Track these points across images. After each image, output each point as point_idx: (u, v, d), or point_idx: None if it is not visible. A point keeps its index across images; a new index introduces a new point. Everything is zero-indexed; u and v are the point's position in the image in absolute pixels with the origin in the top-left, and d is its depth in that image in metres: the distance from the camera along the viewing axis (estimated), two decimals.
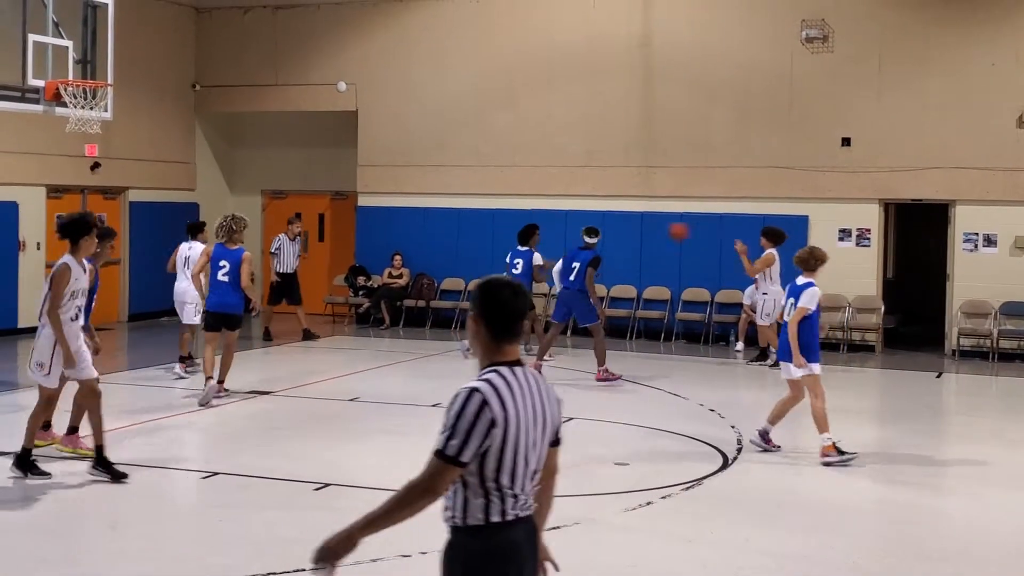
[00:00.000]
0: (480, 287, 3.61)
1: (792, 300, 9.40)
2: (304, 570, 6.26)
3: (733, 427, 10.52)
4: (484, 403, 3.44)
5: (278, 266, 16.86)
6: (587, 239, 13.35)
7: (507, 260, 14.99)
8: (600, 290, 17.43)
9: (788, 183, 16.80)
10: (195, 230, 13.49)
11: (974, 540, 7.34)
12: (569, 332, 17.19)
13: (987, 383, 14.62)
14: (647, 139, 17.54)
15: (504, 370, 3.53)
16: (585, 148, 17.82)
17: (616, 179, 17.67)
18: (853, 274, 16.50)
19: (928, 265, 17.92)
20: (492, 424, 3.44)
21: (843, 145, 16.58)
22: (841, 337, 16.64)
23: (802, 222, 16.74)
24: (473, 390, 3.46)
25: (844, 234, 16.66)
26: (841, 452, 9.21)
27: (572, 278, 13.16)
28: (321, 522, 7.42)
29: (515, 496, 3.54)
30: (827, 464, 9.13)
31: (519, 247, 14.77)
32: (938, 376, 14.74)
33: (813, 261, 9.50)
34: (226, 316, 11.54)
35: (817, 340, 9.36)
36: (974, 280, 16.09)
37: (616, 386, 12.96)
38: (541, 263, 14.68)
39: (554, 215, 17.80)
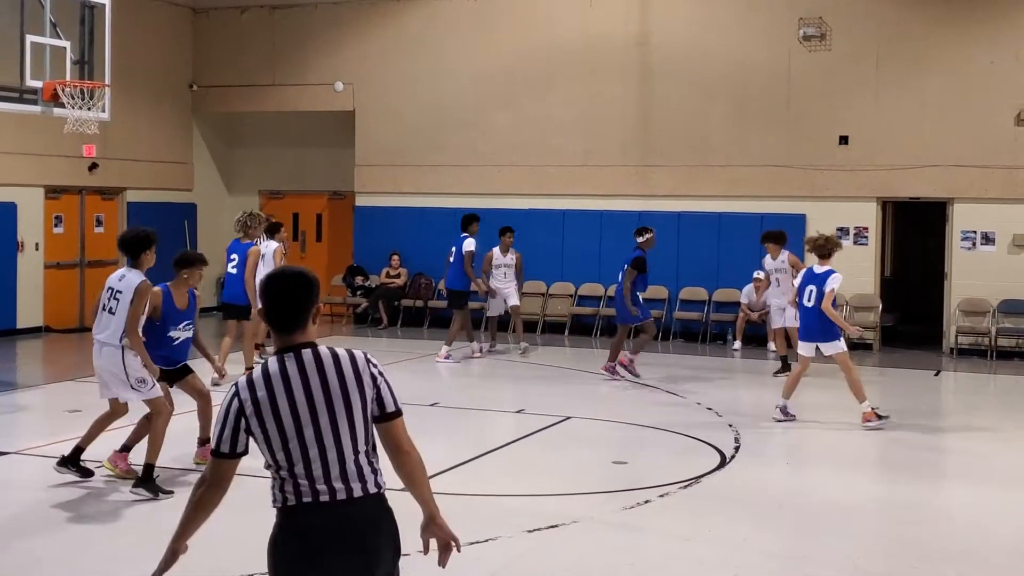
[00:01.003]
0: (263, 279, 3.74)
1: (812, 287, 10.34)
2: None
3: (731, 426, 10.52)
4: (235, 394, 3.63)
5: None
6: (636, 239, 13.32)
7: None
8: (598, 289, 17.51)
9: (786, 182, 16.80)
10: (272, 230, 13.88)
11: (974, 539, 7.33)
12: (568, 331, 17.14)
13: (985, 381, 14.62)
14: (645, 138, 17.54)
15: (272, 359, 3.65)
16: (583, 147, 17.82)
17: (614, 178, 17.67)
18: (851, 272, 16.41)
19: (926, 263, 17.94)
20: (240, 411, 3.60)
21: (841, 143, 16.59)
22: None
23: (800, 221, 16.73)
24: (234, 384, 3.68)
25: (842, 232, 16.60)
26: (880, 416, 10.39)
27: (620, 279, 13.23)
28: None
29: (297, 483, 3.61)
30: (869, 428, 10.31)
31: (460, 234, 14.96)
32: (936, 374, 14.74)
33: (829, 247, 10.49)
34: (235, 306, 12.42)
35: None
36: (972, 278, 16.09)
37: (614, 385, 12.95)
38: (472, 249, 14.63)
39: (552, 215, 17.81)
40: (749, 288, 16.40)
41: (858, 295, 16.60)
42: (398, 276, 18.63)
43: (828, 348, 10.50)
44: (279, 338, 3.66)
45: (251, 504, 7.77)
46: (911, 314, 18.18)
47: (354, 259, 19.33)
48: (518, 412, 11.16)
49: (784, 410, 10.70)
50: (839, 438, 10.45)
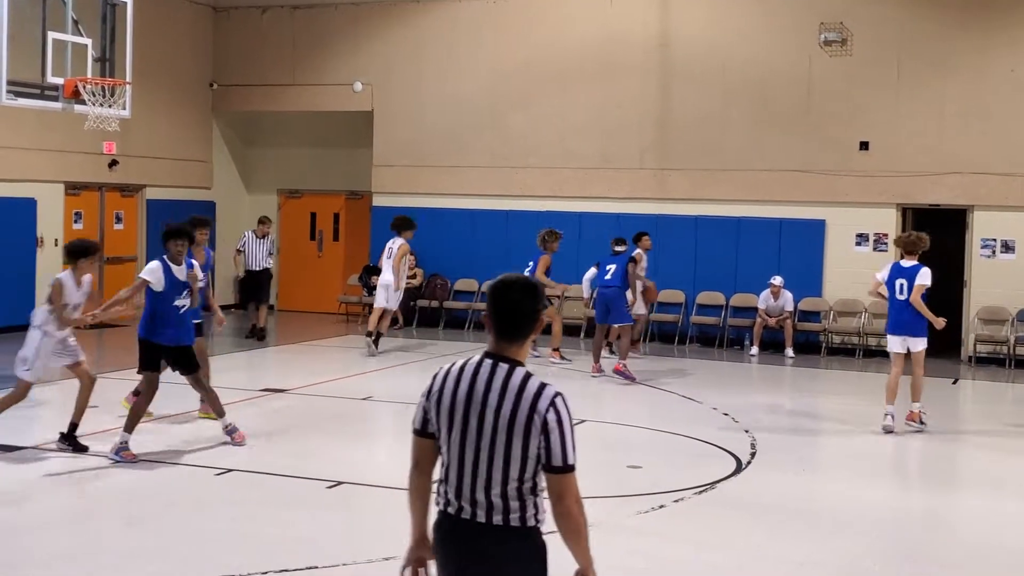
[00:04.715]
0: (491, 283, 3.67)
1: (903, 280, 10.49)
2: (317, 567, 6.27)
3: (747, 431, 10.48)
4: (434, 375, 3.66)
5: (247, 263, 16.61)
6: (616, 247, 13.99)
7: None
8: None
9: (805, 187, 16.74)
10: (399, 227, 15.36)
11: (989, 548, 7.29)
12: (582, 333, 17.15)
13: (1003, 390, 14.52)
14: (662, 141, 17.50)
15: (475, 359, 3.60)
16: (600, 150, 17.79)
17: (631, 181, 17.64)
18: (870, 279, 16.39)
19: (945, 271, 17.82)
20: (428, 392, 3.61)
21: (861, 149, 16.52)
22: (857, 342, 16.58)
23: (819, 226, 16.69)
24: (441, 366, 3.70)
25: (861, 239, 16.59)
26: (922, 422, 10.58)
27: (609, 277, 13.50)
28: (334, 520, 7.47)
29: (447, 489, 3.56)
30: (910, 428, 10.52)
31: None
32: (954, 382, 14.65)
33: (920, 245, 10.64)
34: None
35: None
36: (991, 286, 16.01)
37: (629, 388, 12.93)
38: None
39: (568, 217, 17.77)
40: (766, 293, 16.35)
41: (876, 302, 16.50)
42: (414, 276, 18.64)
43: (916, 343, 10.57)
44: (493, 342, 3.59)
45: (270, 503, 7.81)
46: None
47: (370, 259, 19.34)
48: None
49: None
50: (855, 445, 10.40)
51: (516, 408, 3.45)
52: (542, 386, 3.49)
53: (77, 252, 9.00)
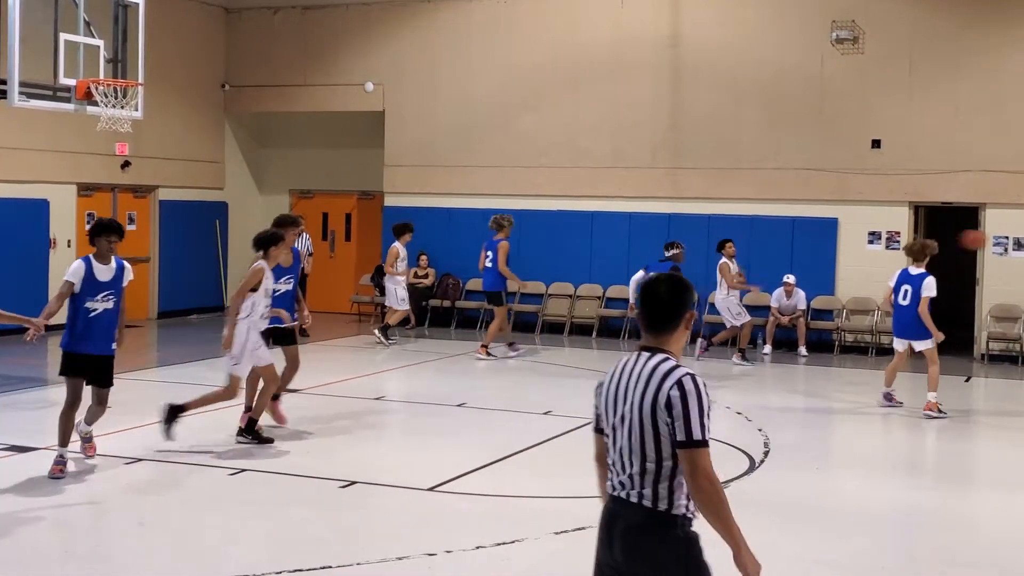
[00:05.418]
0: (641, 281, 3.89)
1: (908, 287, 11.09)
2: (331, 567, 6.28)
3: (760, 430, 10.46)
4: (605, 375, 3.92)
5: None
6: (666, 252, 14.23)
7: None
8: (627, 291, 17.45)
9: (817, 185, 16.70)
10: (395, 232, 16.39)
11: (1004, 547, 7.26)
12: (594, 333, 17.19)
13: (1016, 388, 14.46)
14: (675, 140, 17.48)
15: (632, 353, 3.83)
16: (611, 149, 17.78)
17: (643, 180, 17.62)
18: (882, 277, 16.32)
19: (958, 268, 17.77)
20: (597, 388, 3.89)
21: (873, 147, 16.47)
22: (870, 340, 16.54)
23: (831, 224, 16.65)
24: None
25: (874, 237, 16.55)
26: (940, 411, 11.06)
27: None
28: (347, 520, 7.48)
29: (610, 469, 3.79)
30: (928, 417, 11.02)
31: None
32: (967, 380, 14.60)
33: (925, 252, 11.30)
34: (490, 294, 15.10)
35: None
36: (1004, 284, 15.95)
37: None
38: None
39: (581, 216, 17.78)
40: (779, 292, 16.32)
41: (890, 299, 16.44)
42: (426, 276, 18.66)
43: (920, 345, 11.25)
44: (644, 336, 3.83)
45: (283, 502, 7.83)
46: (942, 319, 17.95)
47: (383, 259, 19.35)
48: (545, 414, 11.14)
49: (888, 396, 11.63)
50: (868, 443, 10.37)
51: (646, 388, 3.68)
52: (674, 367, 3.68)
53: (266, 242, 9.18)
